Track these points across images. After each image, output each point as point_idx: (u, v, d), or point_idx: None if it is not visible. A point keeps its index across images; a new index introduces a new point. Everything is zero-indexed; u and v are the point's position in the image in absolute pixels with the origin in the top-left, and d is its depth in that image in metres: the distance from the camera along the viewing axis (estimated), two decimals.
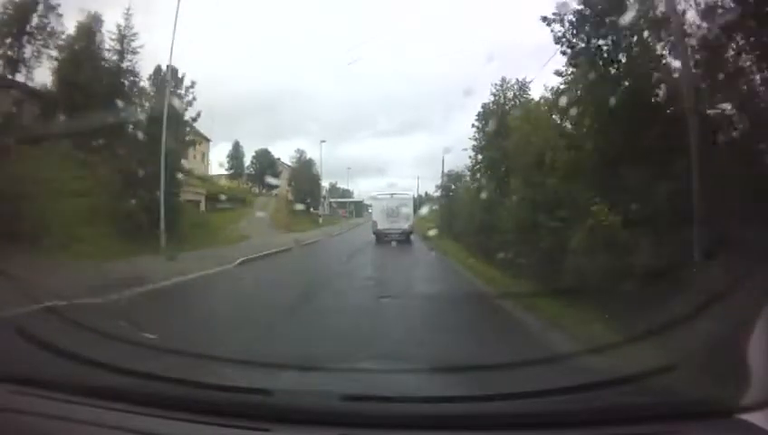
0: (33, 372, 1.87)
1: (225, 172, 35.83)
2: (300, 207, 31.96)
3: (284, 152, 39.55)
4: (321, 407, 1.63)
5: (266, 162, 36.82)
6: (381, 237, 21.46)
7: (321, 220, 34.39)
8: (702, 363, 2.10)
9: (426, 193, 34.76)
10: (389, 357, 3.50)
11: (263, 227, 22.75)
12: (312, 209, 35.57)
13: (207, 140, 31.69)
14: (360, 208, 49.18)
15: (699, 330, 2.42)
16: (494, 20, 36.97)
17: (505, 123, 12.96)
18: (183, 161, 19.84)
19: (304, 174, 35.26)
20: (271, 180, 34.95)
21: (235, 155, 36.70)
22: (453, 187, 24.13)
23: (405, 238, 21.48)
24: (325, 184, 42.70)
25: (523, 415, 1.62)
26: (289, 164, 36.73)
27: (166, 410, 1.62)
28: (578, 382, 1.79)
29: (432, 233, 22.26)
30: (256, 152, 37.03)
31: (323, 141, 33.33)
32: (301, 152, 36.13)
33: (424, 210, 28.48)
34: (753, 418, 1.51)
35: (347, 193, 50.30)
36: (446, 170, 25.99)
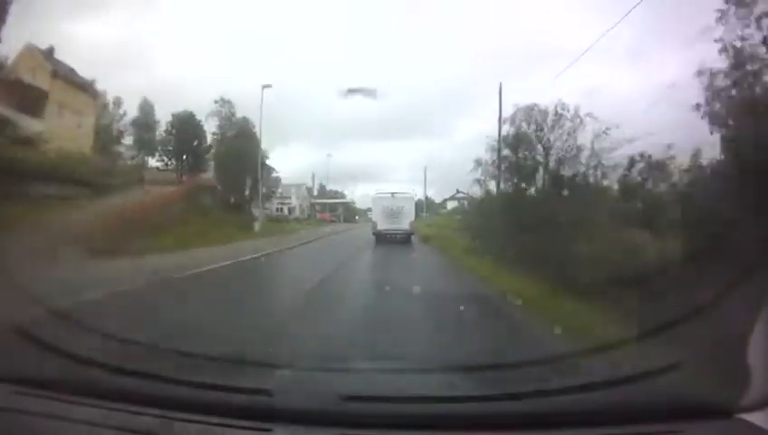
0: (33, 372, 1.87)
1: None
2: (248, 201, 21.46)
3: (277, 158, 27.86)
4: (321, 407, 1.63)
5: (188, 131, 23.39)
6: (381, 238, 21.35)
7: (257, 226, 20.96)
8: (702, 363, 2.10)
9: (427, 197, 32.46)
10: (389, 357, 3.50)
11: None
12: (261, 206, 23.14)
13: (93, 96, 21.27)
14: (350, 212, 44.50)
15: (699, 330, 2.43)
16: (496, 23, 36.85)
17: None
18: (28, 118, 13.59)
19: (235, 146, 21.32)
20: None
21: (144, 122, 23.75)
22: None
23: (405, 239, 21.39)
24: (311, 184, 35.95)
25: (523, 415, 1.62)
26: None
27: (166, 410, 1.62)
28: (578, 382, 1.79)
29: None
30: (173, 117, 23.22)
31: (267, 86, 19.34)
32: (225, 104, 22.19)
33: (423, 213, 23.27)
34: (753, 418, 1.52)
35: (339, 195, 41.73)
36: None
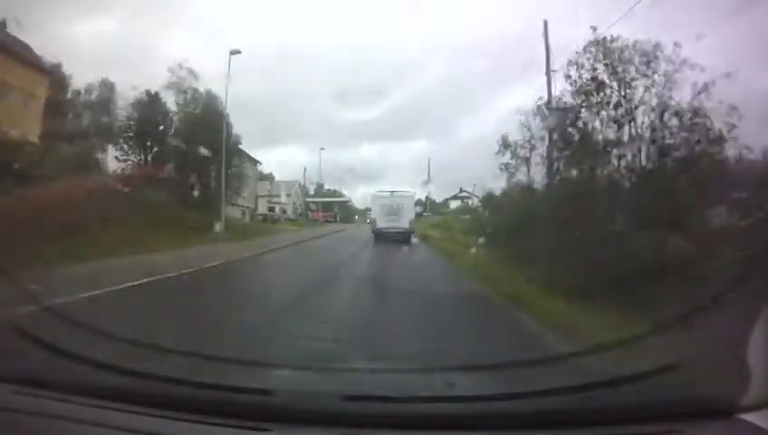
0: (33, 372, 1.87)
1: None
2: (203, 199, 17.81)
3: (269, 158, 26.87)
4: (321, 407, 1.63)
5: (152, 115, 19.27)
6: (381, 237, 21.31)
7: (218, 227, 17.38)
8: (702, 363, 2.10)
9: (427, 197, 31.72)
10: (390, 357, 3.50)
11: None
12: (224, 201, 19.09)
13: (48, 77, 17.78)
14: (347, 212, 42.61)
15: (699, 330, 2.43)
16: (497, 22, 36.79)
17: None
18: None
19: (197, 124, 17.53)
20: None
21: (104, 105, 19.74)
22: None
23: (405, 239, 21.36)
24: (305, 183, 33.27)
25: (523, 415, 1.62)
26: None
27: (166, 410, 1.62)
28: (578, 382, 1.79)
29: None
30: (135, 98, 19.35)
31: (236, 52, 16.49)
32: (186, 73, 18.06)
33: (426, 213, 21.84)
34: (753, 418, 1.52)
35: (337, 194, 39.89)
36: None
